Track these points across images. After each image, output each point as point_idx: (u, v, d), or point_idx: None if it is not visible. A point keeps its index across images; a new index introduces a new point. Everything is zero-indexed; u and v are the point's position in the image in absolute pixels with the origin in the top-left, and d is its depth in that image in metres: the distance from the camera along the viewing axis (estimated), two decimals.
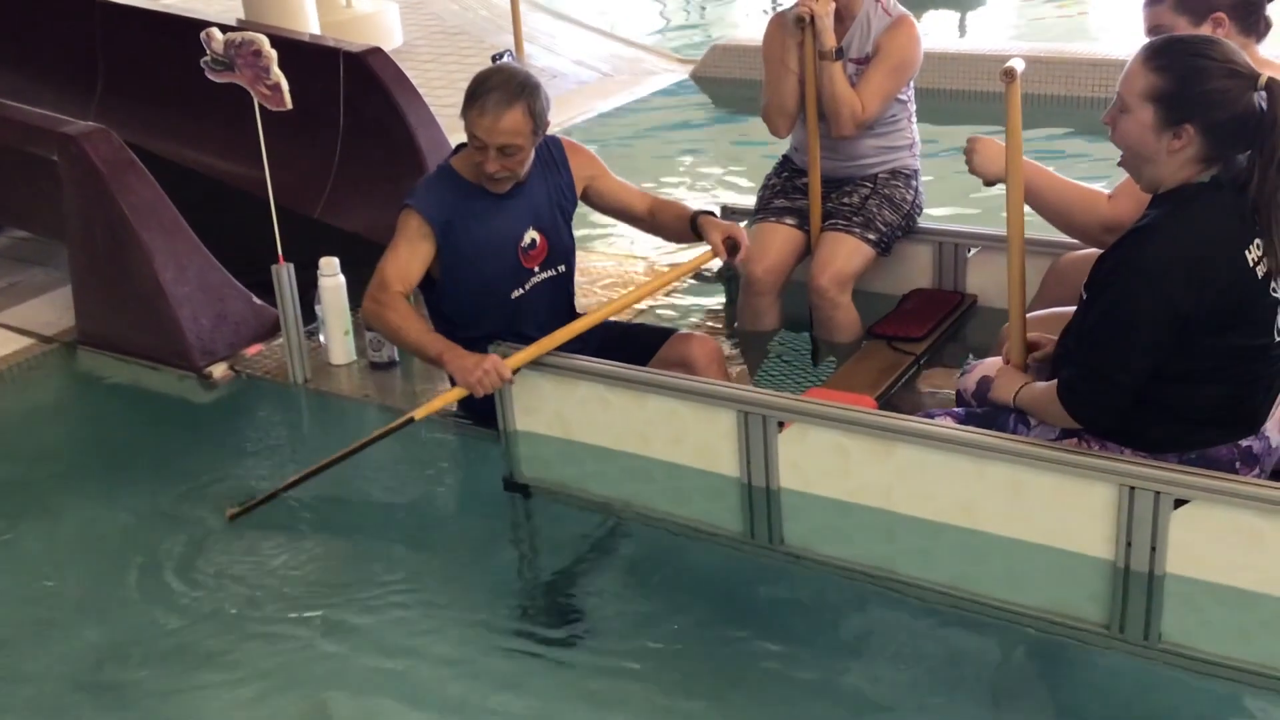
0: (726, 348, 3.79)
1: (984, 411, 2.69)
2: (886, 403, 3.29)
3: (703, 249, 3.32)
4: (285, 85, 3.46)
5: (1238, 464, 2.43)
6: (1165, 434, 2.43)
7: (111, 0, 5.90)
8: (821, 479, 2.77)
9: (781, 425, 2.77)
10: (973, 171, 2.85)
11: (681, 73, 7.78)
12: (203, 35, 3.59)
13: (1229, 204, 2.31)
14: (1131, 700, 2.54)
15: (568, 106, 6.88)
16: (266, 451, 3.68)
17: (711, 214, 3.33)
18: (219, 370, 3.95)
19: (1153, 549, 2.41)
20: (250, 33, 3.52)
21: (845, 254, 3.71)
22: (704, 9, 10.65)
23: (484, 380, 2.94)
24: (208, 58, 3.58)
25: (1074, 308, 2.51)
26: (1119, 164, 2.45)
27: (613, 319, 3.29)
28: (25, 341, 4.27)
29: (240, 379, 3.95)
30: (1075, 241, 3.10)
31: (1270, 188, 2.27)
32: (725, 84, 7.41)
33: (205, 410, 3.90)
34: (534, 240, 3.20)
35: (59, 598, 3.05)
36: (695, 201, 3.40)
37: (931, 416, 2.72)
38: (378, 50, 4.91)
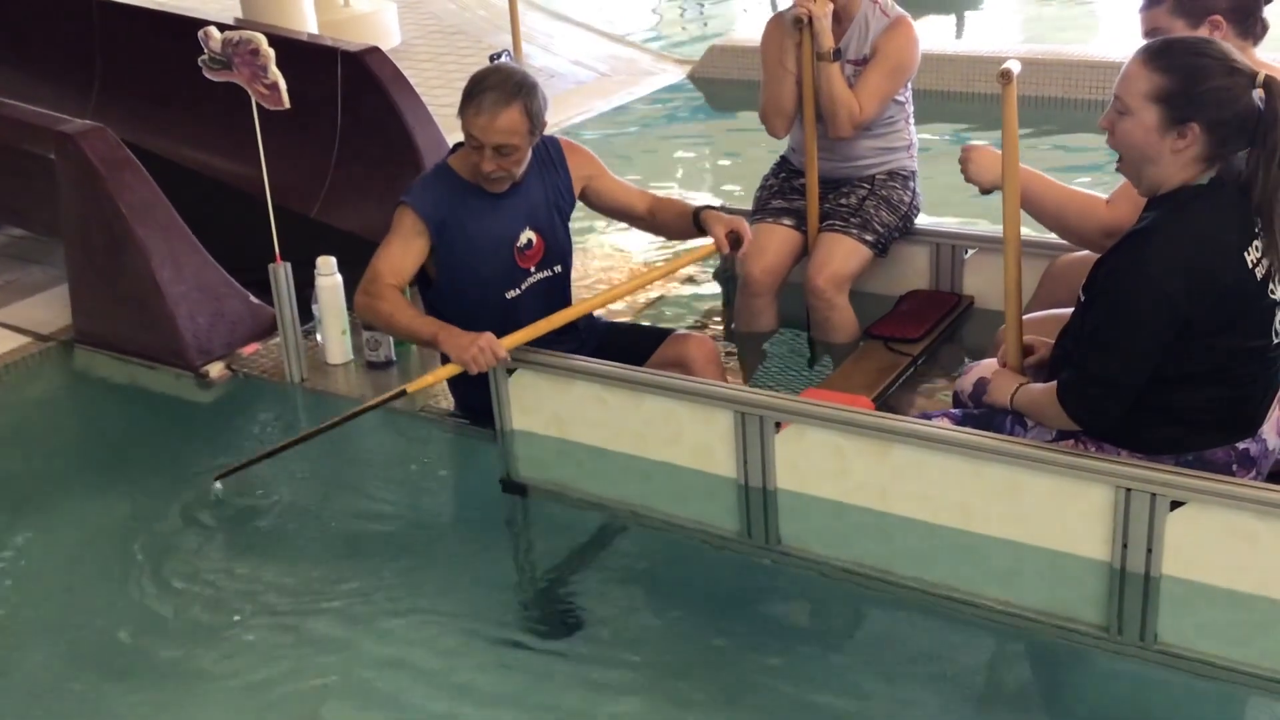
0: (724, 348, 3.79)
1: (981, 413, 2.70)
2: (883, 403, 3.29)
3: (705, 242, 3.30)
4: (283, 84, 3.46)
5: (1234, 466, 2.43)
6: (1162, 436, 2.43)
7: None
8: (818, 479, 2.77)
9: (779, 426, 2.77)
10: (968, 180, 2.85)
11: (679, 73, 7.77)
12: (200, 34, 3.59)
13: (1228, 206, 2.31)
14: (1126, 702, 2.55)
15: (565, 106, 6.88)
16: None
17: (714, 208, 3.31)
18: (216, 369, 3.95)
19: (1149, 551, 2.42)
20: (248, 31, 3.52)
21: (842, 255, 3.71)
22: (702, 9, 10.65)
23: (478, 357, 2.91)
24: (205, 56, 3.57)
25: (1071, 309, 2.51)
26: (1117, 168, 2.44)
27: (611, 319, 3.29)
28: (22, 340, 4.26)
29: (237, 378, 3.94)
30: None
31: (1272, 185, 2.27)
32: (723, 84, 7.41)
33: (202, 409, 3.90)
34: (530, 240, 3.20)
35: (54, 596, 3.05)
36: (694, 202, 3.39)
37: (928, 417, 2.72)
38: (375, 50, 4.91)
